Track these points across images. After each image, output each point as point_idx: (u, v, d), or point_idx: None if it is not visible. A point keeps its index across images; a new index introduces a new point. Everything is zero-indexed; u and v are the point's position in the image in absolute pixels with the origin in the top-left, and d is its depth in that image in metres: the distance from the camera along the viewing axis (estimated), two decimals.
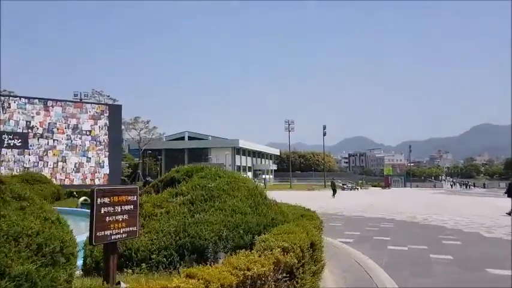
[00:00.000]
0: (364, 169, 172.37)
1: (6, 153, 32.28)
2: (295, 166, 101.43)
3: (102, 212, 4.34)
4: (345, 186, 63.38)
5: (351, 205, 28.05)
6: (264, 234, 5.75)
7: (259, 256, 4.68)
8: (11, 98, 34.04)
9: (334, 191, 41.35)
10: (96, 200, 4.32)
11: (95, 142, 36.61)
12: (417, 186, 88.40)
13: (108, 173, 36.89)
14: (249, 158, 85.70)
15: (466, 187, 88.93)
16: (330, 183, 47.04)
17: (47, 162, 34.19)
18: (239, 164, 78.14)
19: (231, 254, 5.22)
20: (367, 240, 12.28)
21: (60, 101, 35.22)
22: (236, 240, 5.71)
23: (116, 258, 4.60)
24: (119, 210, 4.53)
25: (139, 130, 54.77)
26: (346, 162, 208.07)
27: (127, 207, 4.65)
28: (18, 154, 32.73)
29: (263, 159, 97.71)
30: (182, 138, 76.38)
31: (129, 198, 4.70)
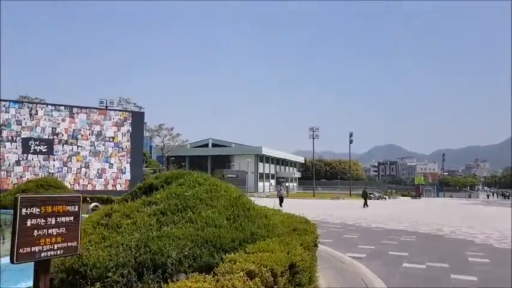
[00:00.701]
0: (394, 178, 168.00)
1: (33, 159, 32.82)
2: (320, 174, 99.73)
3: (29, 224, 3.72)
4: (371, 196, 61.43)
5: (373, 215, 26.77)
6: (239, 251, 5.04)
7: (216, 281, 3.95)
8: (38, 105, 34.69)
9: (366, 201, 39.84)
10: (21, 210, 3.72)
11: (117, 148, 36.82)
12: (451, 197, 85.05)
13: (129, 179, 37.01)
14: (272, 166, 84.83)
15: (504, 198, 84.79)
16: (361, 192, 45.57)
17: (71, 168, 34.56)
18: (262, 172, 77.41)
19: (199, 274, 4.52)
20: (381, 255, 11.27)
21: (85, 108, 35.61)
22: (204, 258, 4.98)
23: (47, 278, 3.97)
24: (53, 222, 3.90)
25: (163, 137, 55.14)
26: (376, 171, 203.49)
27: (65, 219, 4.01)
28: (43, 160, 33.22)
29: (287, 167, 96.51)
30: (206, 145, 76.45)
31: (68, 208, 4.07)
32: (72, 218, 4.08)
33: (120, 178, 38.05)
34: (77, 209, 4.15)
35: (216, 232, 5.26)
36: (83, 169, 35.16)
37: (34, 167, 32.81)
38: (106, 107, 36.32)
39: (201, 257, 4.96)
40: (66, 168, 34.33)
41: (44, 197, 3.88)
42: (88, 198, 21.07)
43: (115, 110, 36.87)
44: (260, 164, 77.35)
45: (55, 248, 3.91)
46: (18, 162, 31.95)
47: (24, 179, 31.68)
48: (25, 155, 32.32)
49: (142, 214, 5.81)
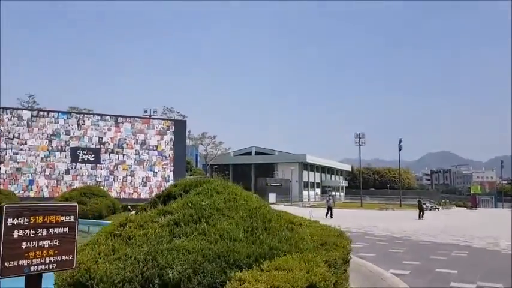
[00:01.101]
0: (448, 187, 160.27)
1: (81, 168, 34.03)
2: (369, 183, 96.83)
3: (16, 236, 3.43)
4: (423, 206, 58.57)
5: (423, 227, 25.26)
6: (254, 268, 4.55)
7: None
8: (85, 115, 36.05)
9: (422, 212, 37.84)
10: (6, 220, 3.43)
11: (161, 157, 37.46)
12: (511, 208, 79.72)
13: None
14: (317, 174, 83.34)
15: None
16: (412, 203, 43.53)
17: (117, 176, 35.50)
18: (306, 180, 76.19)
19: None
20: (427, 272, 10.33)
21: (130, 117, 36.58)
22: (215, 275, 4.52)
23: None
24: (44, 234, 3.59)
25: (206, 145, 55.64)
26: (428, 180, 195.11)
27: (58, 230, 3.70)
28: (91, 169, 34.35)
29: (333, 175, 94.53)
30: (249, 153, 76.47)
31: (62, 218, 3.76)
32: (67, 229, 3.76)
33: (164, 186, 38.41)
34: (72, 220, 3.83)
35: (230, 246, 4.80)
36: (129, 177, 36.01)
37: (82, 175, 33.96)
38: (150, 116, 37.01)
39: (212, 274, 4.52)
40: (112, 176, 35.28)
41: (33, 206, 3.58)
42: (129, 207, 21.38)
43: (158, 119, 37.61)
44: (304, 173, 76.27)
45: (47, 261, 3.60)
46: (67, 171, 33.19)
47: (74, 187, 32.82)
48: (74, 164, 33.55)
49: (155, 225, 5.46)
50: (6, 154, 30.68)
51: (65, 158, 33.15)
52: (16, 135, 31.18)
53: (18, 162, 31.09)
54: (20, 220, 3.46)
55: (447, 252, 14.16)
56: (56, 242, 3.67)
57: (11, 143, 30.91)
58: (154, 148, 37.02)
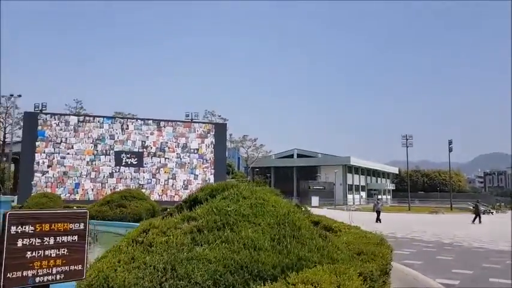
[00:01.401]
0: (503, 190, 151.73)
1: (125, 171, 34.90)
2: (417, 186, 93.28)
3: (19, 245, 3.23)
4: (480, 210, 55.43)
5: (475, 233, 23.73)
6: (280, 280, 4.16)
7: None
8: (129, 120, 36.99)
9: (478, 216, 35.53)
10: (9, 228, 3.24)
11: (201, 160, 37.76)
12: None
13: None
14: (362, 177, 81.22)
15: None
16: (465, 206, 41.23)
17: (159, 179, 36.11)
18: (351, 183, 74.43)
19: None
20: (479, 282, 9.48)
21: (171, 121, 37.15)
22: (237, 287, 4.16)
23: None
24: (51, 242, 3.38)
25: (247, 148, 55.56)
26: (481, 182, 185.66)
27: (67, 239, 3.48)
28: (134, 172, 35.16)
29: (379, 178, 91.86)
30: (291, 156, 75.75)
31: (71, 226, 3.54)
32: (76, 238, 3.53)
33: None
34: (82, 227, 3.60)
35: (255, 256, 4.43)
36: (170, 180, 36.52)
37: (126, 178, 34.78)
38: (191, 120, 37.39)
39: (234, 286, 4.17)
40: (154, 179, 35.91)
41: (39, 214, 3.38)
42: (168, 209, 21.49)
43: (199, 122, 37.90)
44: (349, 175, 74.62)
45: (54, 272, 3.39)
46: (111, 175, 34.10)
47: (117, 190, 33.64)
48: (118, 167, 34.44)
49: (178, 231, 5.18)
50: (54, 158, 31.95)
51: (110, 161, 34.11)
52: (63, 139, 32.42)
53: (65, 166, 32.29)
54: (25, 228, 3.26)
55: (502, 260, 13.05)
56: (64, 251, 3.45)
57: (58, 147, 32.16)
58: (195, 151, 37.37)
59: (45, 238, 3.34)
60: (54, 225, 3.41)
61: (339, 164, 71.62)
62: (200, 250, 4.60)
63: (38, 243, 3.30)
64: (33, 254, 3.27)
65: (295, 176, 72.79)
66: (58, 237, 3.41)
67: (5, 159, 37.30)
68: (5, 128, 36.30)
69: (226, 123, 45.37)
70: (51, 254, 3.36)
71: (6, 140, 36.00)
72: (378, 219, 30.85)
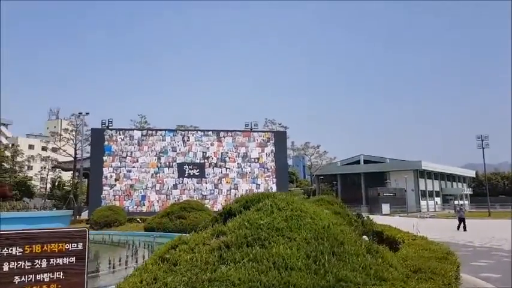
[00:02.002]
0: None
1: (187, 182, 35.47)
2: (497, 190, 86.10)
3: (6, 269, 2.84)
4: None
5: None
6: None
7: None
8: (190, 132, 37.68)
9: None
10: None
11: (262, 169, 37.42)
12: None
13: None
14: (435, 182, 76.38)
15: None
16: None
17: (221, 190, 36.26)
18: (423, 189, 70.24)
19: None
20: None
21: (231, 131, 37.27)
22: None
23: None
24: (44, 265, 2.98)
25: (310, 156, 54.49)
26: None
27: (63, 261, 3.07)
28: (196, 183, 35.61)
29: (454, 183, 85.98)
30: (357, 162, 73.22)
31: (67, 246, 3.13)
32: (73, 259, 3.10)
33: None
34: (81, 247, 3.16)
35: (285, 277, 3.77)
36: (232, 190, 36.54)
37: (189, 189, 35.30)
38: (251, 129, 37.29)
39: None
40: (217, 190, 36.10)
41: (29, 233, 2.96)
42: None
43: (258, 131, 37.64)
44: (421, 181, 70.67)
45: None
46: (175, 186, 34.78)
47: (181, 201, 34.26)
48: (181, 178, 35.08)
49: (206, 248, 4.69)
50: (120, 172, 33.22)
51: (173, 173, 34.84)
52: (129, 153, 33.65)
53: (131, 179, 33.44)
54: (12, 250, 2.90)
55: None
56: (59, 274, 3.04)
57: (124, 161, 33.42)
58: (256, 160, 37.13)
59: (37, 261, 2.92)
60: (47, 246, 2.99)
61: (410, 169, 67.96)
62: (225, 270, 4.04)
63: (27, 266, 2.90)
64: (23, 278, 2.89)
65: (362, 183, 70.21)
66: (52, 260, 2.98)
67: (77, 174, 39.65)
68: (75, 144, 38.70)
69: (285, 131, 44.77)
70: (43, 278, 2.95)
71: (77, 156, 38.33)
72: (464, 227, 28.15)
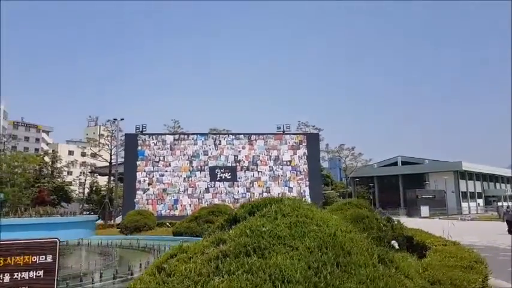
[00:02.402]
0: None
1: (219, 186, 35.48)
2: None
3: None
4: None
5: None
6: None
7: None
8: (221, 135, 37.72)
9: None
10: None
11: (295, 172, 36.90)
12: None
13: (309, 202, 36.37)
14: (477, 183, 73.02)
15: None
16: None
17: (253, 193, 36.01)
18: (464, 190, 67.27)
19: None
20: None
21: (262, 134, 37.02)
22: None
23: None
24: (7, 280, 2.75)
25: (344, 158, 53.37)
26: None
27: (29, 275, 2.87)
28: (228, 186, 35.55)
29: (497, 184, 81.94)
30: (395, 164, 71.10)
31: (34, 259, 2.91)
32: (41, 273, 2.90)
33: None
34: (50, 260, 2.94)
35: None
36: (265, 194, 36.15)
37: (221, 193, 35.28)
38: (283, 132, 36.91)
39: None
40: (249, 193, 35.88)
41: None
42: None
43: (290, 133, 37.17)
44: (461, 182, 67.82)
45: None
46: (207, 190, 34.85)
47: (212, 205, 34.28)
48: (213, 182, 35.12)
49: (203, 257, 4.39)
50: (153, 176, 33.63)
51: (205, 177, 34.94)
52: (161, 158, 34.03)
53: (164, 183, 33.78)
54: None
55: None
56: None
57: (157, 166, 33.82)
58: (288, 163, 36.67)
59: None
60: (11, 259, 2.80)
61: (449, 170, 65.30)
62: (217, 283, 3.73)
63: None
64: None
65: (400, 185, 68.12)
66: (16, 274, 2.79)
67: (112, 179, 40.53)
68: (111, 150, 39.58)
69: (318, 133, 44.04)
70: None
71: (112, 161, 39.18)
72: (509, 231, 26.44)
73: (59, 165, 47.46)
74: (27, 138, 77.04)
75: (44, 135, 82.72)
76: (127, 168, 33.98)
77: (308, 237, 4.18)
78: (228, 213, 18.56)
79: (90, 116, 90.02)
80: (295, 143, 36.92)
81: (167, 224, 20.94)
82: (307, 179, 36.65)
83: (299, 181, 36.70)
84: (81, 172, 58.75)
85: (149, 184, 33.61)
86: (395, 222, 13.08)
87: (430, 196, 58.12)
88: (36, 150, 73.97)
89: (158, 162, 33.96)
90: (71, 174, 57.27)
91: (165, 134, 36.02)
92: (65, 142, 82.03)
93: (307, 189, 36.40)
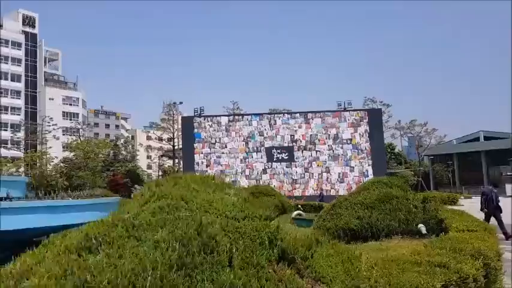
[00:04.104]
0: None
1: (276, 167, 34.68)
2: None
3: None
4: None
5: None
6: None
7: None
8: (276, 115, 36.64)
9: None
10: None
11: (356, 151, 34.87)
12: None
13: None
14: None
15: None
16: None
17: (312, 173, 34.73)
18: None
19: None
20: None
21: (319, 112, 35.39)
22: None
23: None
24: None
25: (416, 134, 49.44)
26: None
27: None
28: (286, 167, 34.62)
29: None
30: (477, 139, 64.66)
31: None
32: None
33: (363, 182, 35.66)
34: None
35: None
36: (324, 174, 34.73)
37: (279, 174, 34.46)
38: (344, 108, 34.96)
39: None
40: (308, 174, 34.66)
41: None
42: (299, 206, 19.80)
43: (349, 110, 35.03)
44: None
45: None
46: (264, 171, 34.23)
47: (272, 186, 33.56)
48: (270, 163, 34.38)
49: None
50: (211, 158, 33.71)
51: (261, 158, 34.30)
52: (217, 140, 33.95)
53: (221, 165, 33.75)
54: None
55: None
56: None
57: (214, 147, 33.83)
58: (349, 142, 34.72)
59: None
60: None
61: None
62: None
63: None
64: None
65: (483, 162, 62.00)
66: None
67: (177, 161, 41.51)
68: (173, 133, 40.42)
69: (380, 109, 41.04)
70: None
71: (174, 144, 40.07)
72: None
73: (131, 149, 49.77)
74: (107, 126, 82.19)
75: (122, 121, 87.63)
76: (185, 151, 34.48)
77: (169, 226, 3.15)
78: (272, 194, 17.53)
79: (164, 102, 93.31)
80: (355, 119, 34.80)
81: None
82: (369, 157, 34.49)
83: (361, 160, 34.69)
84: (154, 155, 61.00)
85: (207, 166, 33.76)
86: (432, 203, 11.47)
87: None
88: (117, 136, 78.65)
89: (215, 144, 33.95)
90: (150, 158, 59.80)
91: (220, 115, 35.75)
92: (143, 128, 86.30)
93: (370, 168, 34.32)
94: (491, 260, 4.40)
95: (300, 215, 16.52)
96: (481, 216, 11.21)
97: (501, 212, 11.68)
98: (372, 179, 12.08)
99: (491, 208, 11.68)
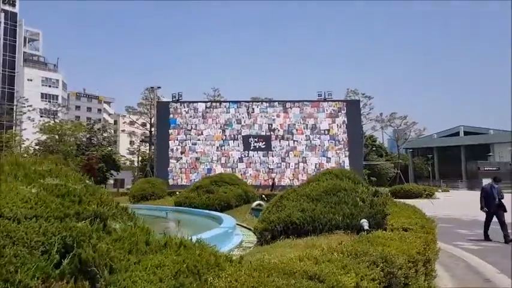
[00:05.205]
0: None
1: (253, 156, 34.39)
2: None
3: None
4: None
5: None
6: None
7: None
8: (254, 103, 36.24)
9: None
10: None
11: (333, 141, 34.74)
12: None
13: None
14: None
15: None
16: None
17: (289, 163, 34.56)
18: None
19: None
20: None
21: (298, 101, 35.11)
22: None
23: None
24: None
25: (396, 127, 49.62)
26: None
27: None
28: (263, 156, 34.35)
29: None
30: (456, 134, 65.36)
31: None
32: None
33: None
34: None
35: None
36: (301, 164, 34.59)
37: (255, 163, 34.17)
38: (324, 99, 34.69)
39: None
40: (284, 163, 34.47)
41: None
42: (264, 196, 19.57)
43: (328, 100, 34.78)
44: None
45: None
46: (240, 159, 33.91)
47: (247, 175, 33.33)
48: (246, 152, 34.05)
49: None
50: (186, 145, 33.27)
51: (238, 146, 33.96)
52: (193, 126, 33.48)
53: (197, 152, 33.34)
54: None
55: None
56: None
57: (189, 134, 33.37)
58: (326, 132, 34.57)
59: None
60: None
61: None
62: None
63: None
64: None
65: (462, 157, 62.76)
66: None
67: (153, 148, 40.99)
68: (150, 118, 39.88)
69: (359, 100, 40.92)
70: None
71: (152, 130, 39.54)
72: None
73: (107, 134, 49.01)
74: (89, 109, 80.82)
75: (105, 105, 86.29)
76: (159, 137, 33.95)
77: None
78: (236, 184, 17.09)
79: (149, 88, 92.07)
80: (333, 110, 34.63)
81: (177, 192, 20.26)
82: (346, 148, 34.42)
83: (337, 151, 34.61)
84: (132, 141, 60.18)
85: (182, 153, 33.35)
86: (379, 198, 11.22)
87: (494, 168, 52.93)
88: (99, 120, 77.37)
89: (190, 130, 33.49)
90: (131, 144, 58.93)
91: (197, 101, 35.22)
92: (125, 112, 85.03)
93: (346, 160, 34.28)
94: (399, 268, 4.02)
95: (260, 205, 16.25)
96: (455, 210, 10.93)
97: (505, 211, 10.25)
98: (324, 170, 11.82)
99: (493, 207, 10.35)
